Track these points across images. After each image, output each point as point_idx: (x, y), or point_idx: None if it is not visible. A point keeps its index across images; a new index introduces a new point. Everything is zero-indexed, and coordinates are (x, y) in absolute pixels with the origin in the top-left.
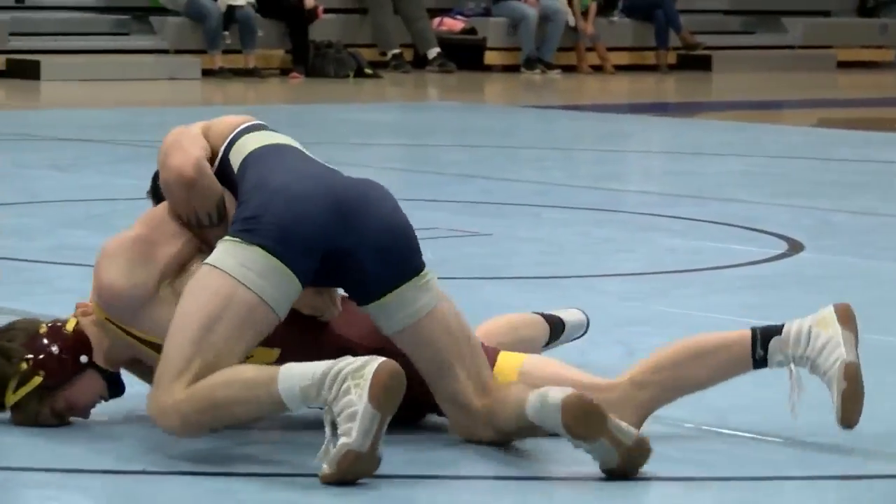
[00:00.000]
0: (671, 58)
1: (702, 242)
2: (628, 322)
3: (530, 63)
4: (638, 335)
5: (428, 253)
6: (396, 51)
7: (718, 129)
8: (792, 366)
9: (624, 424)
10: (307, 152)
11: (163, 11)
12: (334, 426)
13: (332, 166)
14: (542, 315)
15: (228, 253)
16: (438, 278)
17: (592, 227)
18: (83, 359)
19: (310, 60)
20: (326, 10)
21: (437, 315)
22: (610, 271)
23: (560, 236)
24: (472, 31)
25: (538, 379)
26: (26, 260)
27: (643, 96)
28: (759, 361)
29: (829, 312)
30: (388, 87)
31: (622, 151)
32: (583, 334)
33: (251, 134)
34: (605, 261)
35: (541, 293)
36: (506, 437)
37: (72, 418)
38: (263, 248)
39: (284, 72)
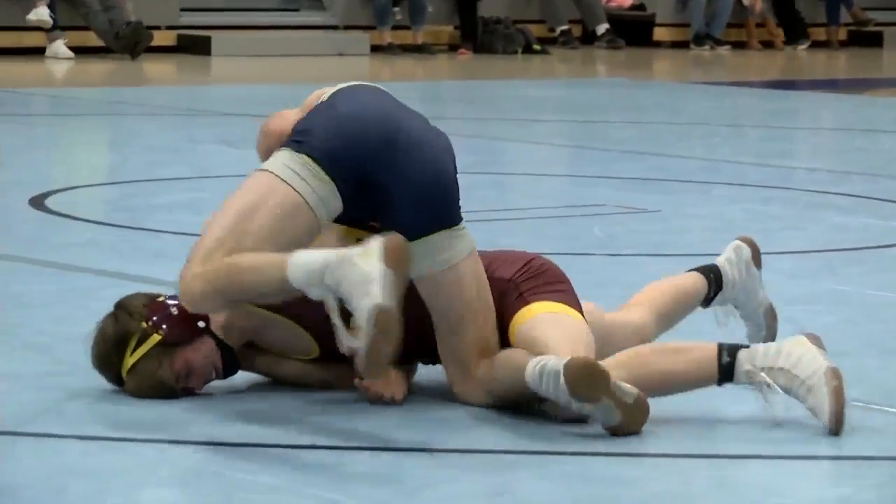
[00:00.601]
0: (842, 34)
1: (871, 220)
2: (798, 300)
3: (699, 39)
4: (808, 313)
5: (595, 229)
6: (565, 27)
7: (889, 105)
8: (763, 374)
9: (624, 384)
10: (393, 97)
11: None
12: (343, 313)
13: (413, 111)
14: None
15: (277, 158)
16: (607, 255)
17: (761, 205)
18: (200, 324)
19: (478, 37)
20: None
21: (461, 270)
22: (779, 249)
23: (729, 213)
24: (641, 6)
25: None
26: (197, 234)
27: (813, 73)
28: (726, 369)
29: (797, 337)
30: (557, 63)
31: (791, 128)
32: (752, 255)
33: (341, 87)
34: (773, 238)
35: None
36: (500, 401)
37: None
38: (311, 157)
39: (453, 48)
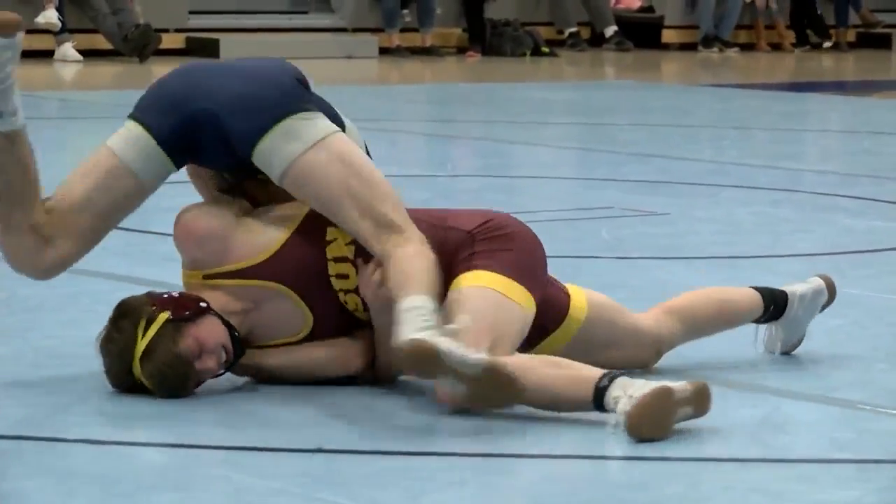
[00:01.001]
0: (850, 36)
1: (879, 222)
2: None
3: (708, 41)
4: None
5: (603, 232)
6: (573, 29)
7: None
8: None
9: (472, 357)
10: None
11: None
12: None
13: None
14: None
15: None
16: (615, 258)
17: (770, 207)
18: (203, 304)
19: (487, 39)
20: None
21: (316, 153)
22: (787, 251)
23: (737, 216)
24: (649, 8)
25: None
26: None
27: (822, 75)
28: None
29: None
30: (565, 65)
31: (800, 130)
32: (828, 301)
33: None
34: (782, 241)
35: (717, 273)
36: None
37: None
38: (130, 116)
39: (461, 50)
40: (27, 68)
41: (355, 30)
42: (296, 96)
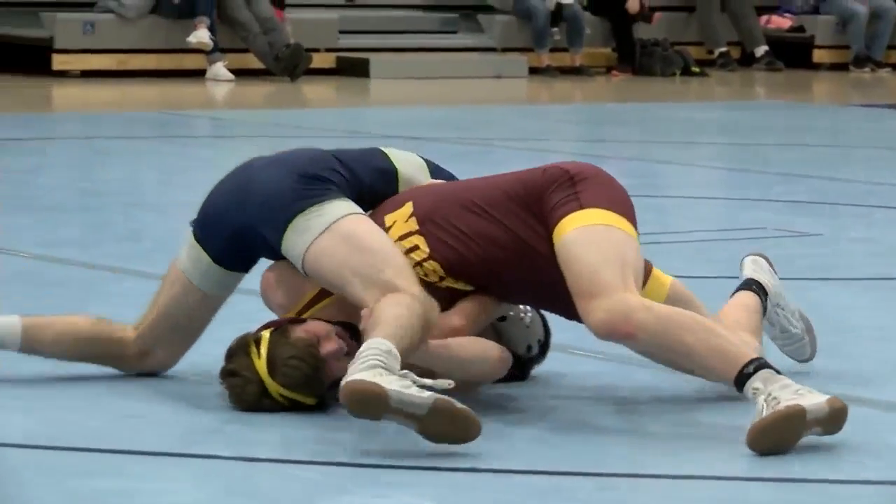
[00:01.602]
0: None
1: None
2: None
3: (860, 61)
4: None
5: None
6: (723, 49)
7: None
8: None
9: (416, 396)
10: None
11: (490, 10)
12: None
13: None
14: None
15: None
16: None
17: None
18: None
19: (637, 59)
20: (652, 9)
21: (321, 241)
22: None
23: (891, 237)
24: (800, 28)
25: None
26: None
27: None
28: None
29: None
30: (715, 85)
31: None
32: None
33: None
34: None
35: (870, 294)
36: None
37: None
38: (193, 229)
39: (611, 70)
40: (179, 87)
41: (504, 49)
42: (302, 195)
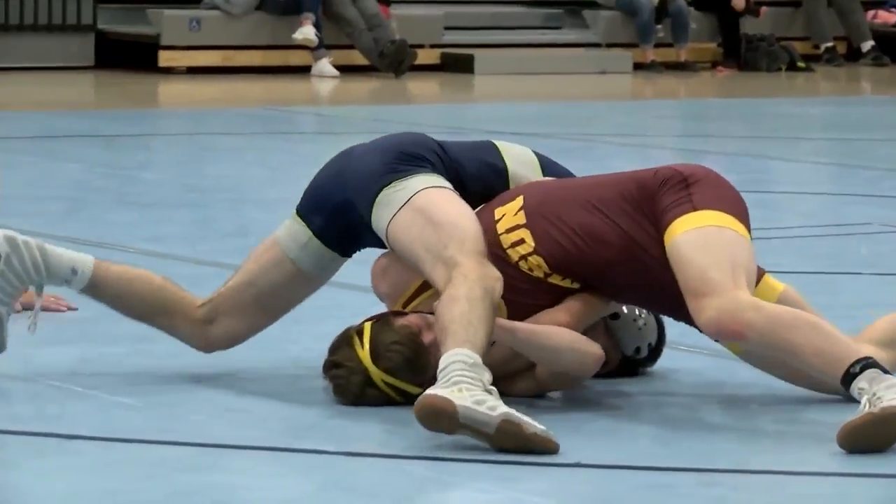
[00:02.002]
0: None
1: None
2: None
3: None
4: None
5: (862, 248)
6: (829, 44)
7: None
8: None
9: (484, 415)
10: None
11: (595, 5)
12: None
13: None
14: None
15: None
16: (876, 274)
17: None
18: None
19: (742, 54)
20: (758, 3)
21: (400, 216)
22: None
23: None
24: None
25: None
26: None
27: None
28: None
29: None
30: (821, 80)
31: None
32: None
33: None
34: None
35: None
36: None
37: None
38: (297, 209)
39: (716, 65)
40: (284, 83)
41: (609, 45)
42: (392, 169)
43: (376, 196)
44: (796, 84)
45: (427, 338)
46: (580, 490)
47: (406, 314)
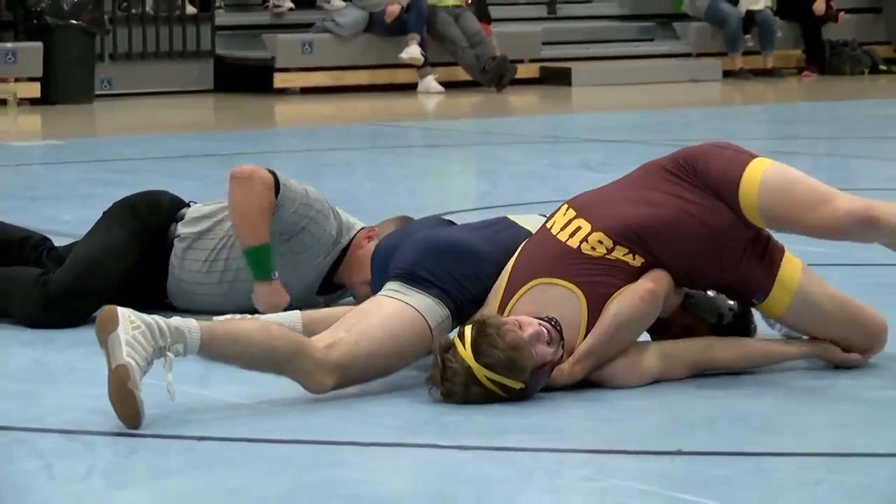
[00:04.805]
0: None
1: None
2: None
3: None
4: None
5: None
6: None
7: None
8: None
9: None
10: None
11: (685, 17)
12: None
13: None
14: None
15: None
16: None
17: None
18: None
19: (826, 59)
20: (838, 9)
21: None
22: None
23: None
24: None
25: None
26: None
27: None
28: None
29: None
30: None
31: None
32: None
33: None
34: None
35: None
36: None
37: None
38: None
39: (801, 70)
40: (392, 100)
41: (699, 55)
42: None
43: (388, 280)
44: (879, 86)
45: (528, 331)
46: (680, 476)
47: (503, 316)
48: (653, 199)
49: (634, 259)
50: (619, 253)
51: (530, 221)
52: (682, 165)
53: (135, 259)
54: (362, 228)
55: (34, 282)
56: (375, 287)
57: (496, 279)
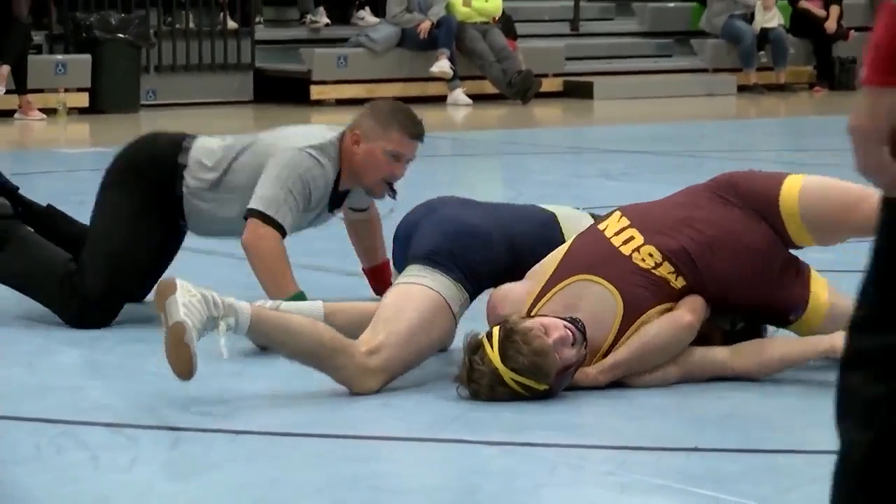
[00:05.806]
0: None
1: None
2: None
3: None
4: None
5: None
6: None
7: None
8: None
9: None
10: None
11: (702, 34)
12: None
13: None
14: None
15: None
16: None
17: None
18: None
19: (836, 75)
20: (847, 28)
21: (401, 285)
22: None
23: None
24: None
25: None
26: None
27: None
28: None
29: None
30: None
31: None
32: None
33: None
34: None
35: None
36: None
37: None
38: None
39: (812, 86)
40: (423, 112)
41: (715, 70)
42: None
43: (408, 263)
44: None
45: (553, 335)
46: (696, 472)
47: (532, 317)
48: (700, 220)
49: (676, 280)
50: (665, 270)
51: (560, 211)
52: (724, 187)
53: (155, 235)
54: (341, 135)
55: (60, 282)
56: (398, 261)
57: (507, 259)
